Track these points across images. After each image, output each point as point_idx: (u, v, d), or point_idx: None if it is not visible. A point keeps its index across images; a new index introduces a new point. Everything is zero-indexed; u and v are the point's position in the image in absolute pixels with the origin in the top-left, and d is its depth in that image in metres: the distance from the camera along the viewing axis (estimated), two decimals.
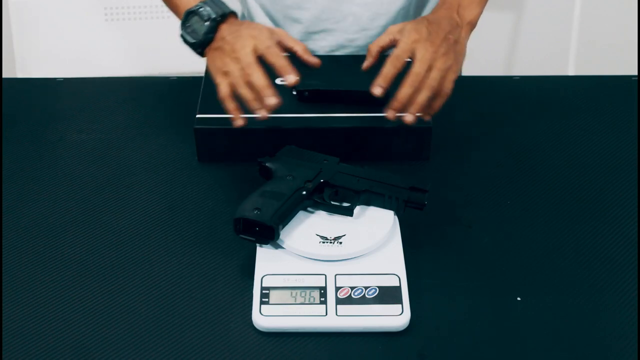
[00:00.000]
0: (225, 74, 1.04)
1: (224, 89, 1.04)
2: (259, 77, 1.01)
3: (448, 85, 1.06)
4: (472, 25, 1.16)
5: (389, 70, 1.05)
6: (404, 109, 1.05)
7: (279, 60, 1.03)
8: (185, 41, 1.10)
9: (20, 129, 1.24)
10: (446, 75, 1.05)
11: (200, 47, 1.09)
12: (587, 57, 2.19)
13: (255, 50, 1.03)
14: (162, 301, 0.94)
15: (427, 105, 1.06)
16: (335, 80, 1.17)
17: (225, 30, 1.07)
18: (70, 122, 1.26)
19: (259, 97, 1.02)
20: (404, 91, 1.03)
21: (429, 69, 1.04)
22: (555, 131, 1.24)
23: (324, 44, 1.33)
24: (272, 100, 1.02)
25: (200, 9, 1.08)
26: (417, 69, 1.03)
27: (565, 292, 0.95)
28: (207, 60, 1.10)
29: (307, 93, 1.17)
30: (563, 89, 1.35)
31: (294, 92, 1.17)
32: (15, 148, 1.20)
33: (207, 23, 1.07)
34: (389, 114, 1.06)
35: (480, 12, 1.18)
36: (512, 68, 2.41)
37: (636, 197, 1.10)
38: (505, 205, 1.09)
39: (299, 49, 1.09)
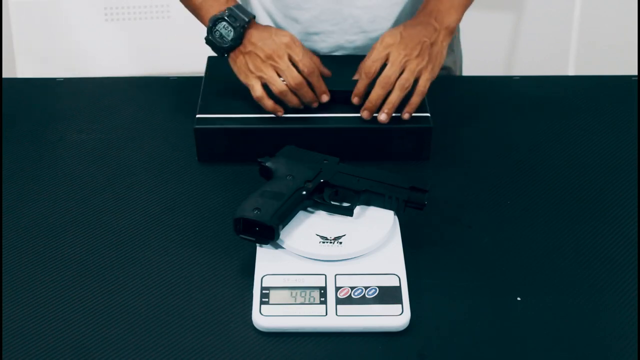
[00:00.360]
0: (260, 77, 1.13)
1: (259, 89, 1.13)
2: (308, 92, 1.13)
3: (422, 84, 1.13)
4: (450, 29, 1.20)
5: (361, 81, 1.13)
6: (377, 108, 1.13)
7: (319, 82, 1.14)
8: (212, 45, 1.15)
9: (20, 129, 1.24)
10: (420, 75, 1.12)
11: (227, 51, 1.15)
12: (587, 57, 2.18)
13: (290, 60, 1.12)
14: (162, 301, 0.94)
15: (403, 104, 1.13)
16: (335, 81, 1.17)
17: (254, 35, 1.13)
18: (70, 122, 1.26)
19: (306, 103, 1.15)
20: (375, 92, 1.12)
21: (402, 70, 1.11)
22: (555, 131, 1.24)
23: (323, 45, 1.33)
24: (316, 105, 1.16)
25: (227, 16, 1.13)
26: (388, 71, 1.11)
27: (565, 292, 0.95)
28: (235, 62, 1.16)
29: None
30: (563, 89, 1.35)
31: None
32: (15, 148, 1.20)
33: (235, 30, 1.13)
34: (364, 114, 1.14)
35: (459, 18, 1.23)
36: (512, 68, 2.41)
37: (636, 197, 1.10)
38: (505, 205, 1.09)
39: (315, 61, 1.17)
